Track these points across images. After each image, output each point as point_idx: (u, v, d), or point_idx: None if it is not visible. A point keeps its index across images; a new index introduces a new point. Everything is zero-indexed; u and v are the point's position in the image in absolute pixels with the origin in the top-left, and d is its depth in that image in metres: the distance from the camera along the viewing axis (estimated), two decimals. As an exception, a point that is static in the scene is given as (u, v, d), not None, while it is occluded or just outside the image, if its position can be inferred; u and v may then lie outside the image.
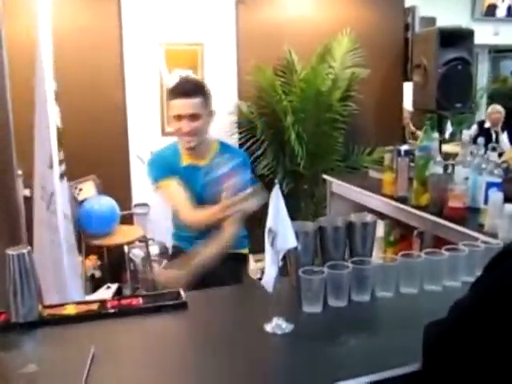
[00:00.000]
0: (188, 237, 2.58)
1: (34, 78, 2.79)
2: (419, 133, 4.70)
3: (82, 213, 4.02)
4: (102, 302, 1.67)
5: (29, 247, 1.53)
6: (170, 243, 2.91)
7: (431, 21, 5.54)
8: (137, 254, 4.40)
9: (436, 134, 3.08)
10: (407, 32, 5.31)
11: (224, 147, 2.61)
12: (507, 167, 3.06)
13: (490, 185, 2.53)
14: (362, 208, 3.20)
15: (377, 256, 1.87)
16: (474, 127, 7.12)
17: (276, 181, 1.45)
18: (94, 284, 4.26)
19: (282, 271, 1.53)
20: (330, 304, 1.63)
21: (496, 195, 2.38)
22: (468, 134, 2.94)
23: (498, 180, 2.54)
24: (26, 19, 3.03)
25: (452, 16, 6.71)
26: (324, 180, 3.95)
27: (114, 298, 1.74)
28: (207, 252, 2.36)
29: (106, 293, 4.02)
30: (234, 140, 4.70)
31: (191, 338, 1.54)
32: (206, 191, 2.41)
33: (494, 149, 2.74)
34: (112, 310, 1.62)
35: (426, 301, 1.67)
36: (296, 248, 1.55)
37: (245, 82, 4.78)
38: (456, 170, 2.72)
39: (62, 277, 2.85)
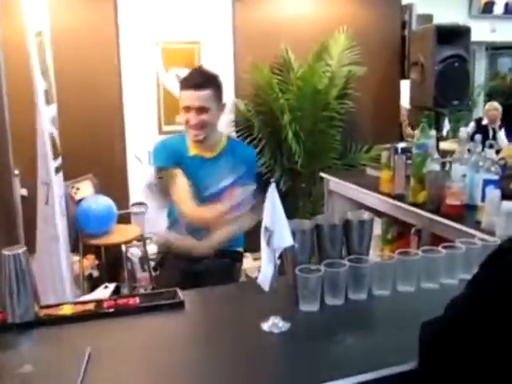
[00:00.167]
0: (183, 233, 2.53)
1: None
2: (415, 132, 4.71)
3: (80, 212, 4.01)
4: (99, 302, 1.66)
5: (24, 247, 1.52)
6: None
7: (428, 18, 5.54)
8: (134, 253, 4.39)
9: (433, 132, 3.08)
10: (404, 29, 5.31)
11: (233, 143, 2.59)
12: (504, 164, 3.06)
13: (487, 182, 2.53)
14: (359, 206, 3.20)
15: (374, 254, 1.87)
16: (472, 124, 7.11)
17: (272, 180, 1.44)
18: (92, 283, 4.25)
19: (280, 270, 1.53)
20: (327, 302, 1.63)
21: (493, 192, 2.38)
22: (465, 131, 2.93)
23: (495, 177, 2.54)
24: (22, 18, 3.02)
25: (449, 13, 6.72)
26: (321, 178, 3.95)
27: (110, 298, 1.74)
28: (225, 231, 2.33)
29: (103, 292, 4.01)
30: (231, 138, 4.68)
31: (188, 338, 1.53)
32: (210, 185, 2.38)
33: (491, 146, 2.73)
34: (108, 310, 1.61)
35: (423, 299, 1.67)
36: (293, 246, 1.54)
37: (242, 80, 4.77)
38: (453, 168, 2.71)
39: (60, 274, 2.86)
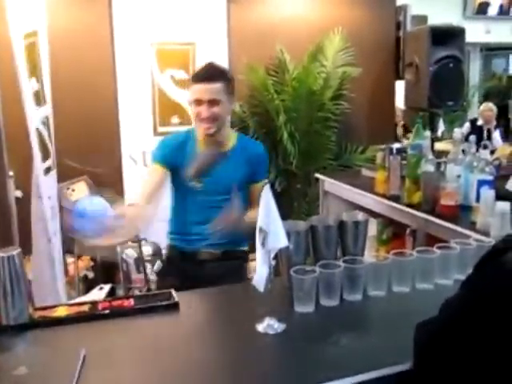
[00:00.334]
0: (187, 235, 2.48)
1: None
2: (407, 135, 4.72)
3: (75, 213, 3.99)
4: (94, 304, 1.66)
5: (19, 249, 1.52)
6: (164, 244, 2.82)
7: (423, 19, 5.56)
8: (130, 254, 4.38)
9: (428, 132, 3.08)
10: (399, 30, 5.32)
11: (243, 139, 2.54)
12: (499, 164, 3.07)
13: (481, 183, 2.53)
14: (355, 207, 3.20)
15: (369, 255, 1.87)
16: (467, 125, 7.13)
17: (266, 180, 1.44)
18: (87, 285, 4.24)
19: (275, 271, 1.53)
20: (322, 303, 1.63)
21: (487, 193, 2.39)
22: (460, 131, 2.94)
23: (490, 178, 2.55)
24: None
25: (443, 14, 6.73)
26: (317, 179, 3.95)
27: (105, 300, 1.73)
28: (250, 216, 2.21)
29: (98, 294, 3.99)
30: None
31: (183, 339, 1.53)
32: (219, 182, 2.34)
33: (485, 146, 2.74)
34: (103, 312, 1.61)
35: (418, 299, 1.67)
36: (288, 247, 1.54)
37: (237, 81, 4.70)
38: (448, 168, 2.72)
39: (53, 276, 2.85)
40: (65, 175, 3.69)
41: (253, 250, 3.05)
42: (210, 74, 2.36)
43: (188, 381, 1.30)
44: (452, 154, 2.76)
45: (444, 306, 1.16)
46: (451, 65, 4.08)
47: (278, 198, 1.43)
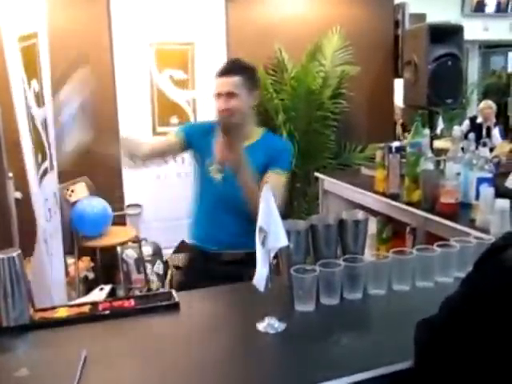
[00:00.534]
0: (209, 236, 2.46)
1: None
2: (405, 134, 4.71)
3: (75, 214, 4.00)
4: (94, 304, 1.66)
5: (19, 250, 1.52)
6: (164, 244, 2.78)
7: (421, 17, 5.56)
8: (130, 254, 4.38)
9: (427, 130, 3.08)
10: (397, 29, 5.31)
11: (267, 136, 2.52)
12: (498, 162, 3.07)
13: (480, 180, 2.53)
14: (354, 205, 3.20)
15: (369, 253, 1.87)
16: (466, 123, 7.13)
17: (266, 180, 1.44)
18: (87, 286, 4.24)
19: (275, 270, 1.53)
20: (323, 302, 1.63)
21: (487, 190, 2.39)
22: (459, 129, 2.94)
23: (489, 175, 2.55)
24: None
25: (442, 12, 6.75)
26: (316, 178, 3.95)
27: (106, 300, 1.73)
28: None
29: (99, 294, 3.99)
30: (225, 139, 4.68)
31: (183, 339, 1.53)
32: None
33: (484, 144, 2.74)
34: (104, 312, 1.61)
35: (419, 297, 1.67)
36: (288, 247, 1.55)
37: (236, 80, 4.75)
38: (447, 166, 2.72)
39: (52, 277, 2.85)
40: (64, 176, 3.68)
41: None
42: (229, 68, 2.40)
43: (189, 381, 1.30)
44: (451, 151, 2.76)
45: (444, 303, 1.16)
46: (450, 63, 4.08)
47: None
